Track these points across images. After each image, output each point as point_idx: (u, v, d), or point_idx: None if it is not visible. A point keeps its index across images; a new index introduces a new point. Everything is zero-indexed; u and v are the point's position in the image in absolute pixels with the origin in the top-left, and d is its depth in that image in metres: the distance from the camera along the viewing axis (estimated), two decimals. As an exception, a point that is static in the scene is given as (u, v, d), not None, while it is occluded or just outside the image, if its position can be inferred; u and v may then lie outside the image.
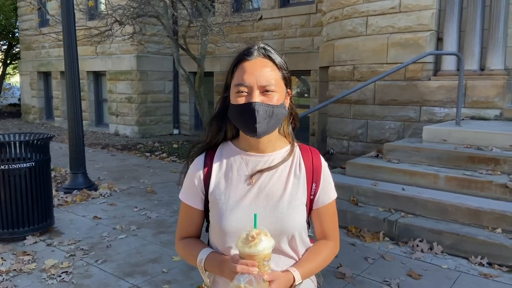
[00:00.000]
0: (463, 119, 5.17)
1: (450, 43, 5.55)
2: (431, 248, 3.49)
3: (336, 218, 1.39)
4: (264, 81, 1.19)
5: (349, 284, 3.00)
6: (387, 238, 3.76)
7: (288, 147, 1.33)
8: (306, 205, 1.30)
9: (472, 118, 5.36)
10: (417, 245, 3.53)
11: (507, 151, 4.18)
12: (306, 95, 9.06)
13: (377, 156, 5.00)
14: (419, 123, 5.62)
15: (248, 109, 1.18)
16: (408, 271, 3.15)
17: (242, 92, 1.20)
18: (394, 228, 3.74)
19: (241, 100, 1.20)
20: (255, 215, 1.14)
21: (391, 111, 5.90)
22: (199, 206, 1.33)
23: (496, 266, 3.19)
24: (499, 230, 3.40)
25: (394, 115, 5.88)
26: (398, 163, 4.54)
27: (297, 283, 1.22)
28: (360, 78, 6.07)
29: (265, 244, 1.09)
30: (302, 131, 9.20)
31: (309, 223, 1.37)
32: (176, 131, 11.15)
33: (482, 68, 5.44)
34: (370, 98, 6.07)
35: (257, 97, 1.18)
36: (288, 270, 1.23)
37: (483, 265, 3.22)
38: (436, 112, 5.55)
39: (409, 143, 4.78)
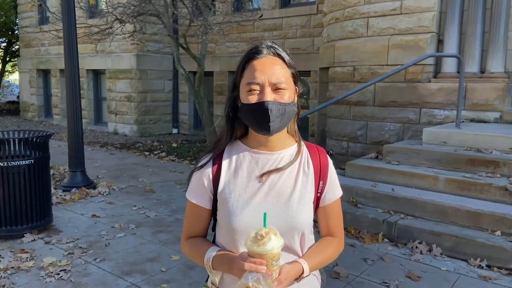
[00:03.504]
0: (463, 121, 5.18)
1: (451, 46, 5.55)
2: (430, 250, 3.49)
3: (341, 215, 1.40)
4: (275, 78, 1.20)
5: (348, 285, 2.99)
6: (386, 240, 3.75)
7: (296, 145, 1.33)
8: (313, 203, 1.30)
9: (472, 120, 5.36)
10: (417, 247, 3.52)
11: (506, 154, 4.18)
12: (305, 96, 9.06)
13: (376, 157, 5.00)
14: (419, 125, 5.62)
15: (261, 108, 1.18)
16: (407, 273, 3.15)
17: (253, 90, 1.20)
18: (394, 229, 3.74)
19: (253, 99, 1.20)
20: (264, 214, 1.14)
21: (391, 113, 5.90)
22: (207, 205, 1.32)
23: (495, 268, 3.19)
24: (498, 232, 3.40)
25: (394, 117, 5.88)
26: (397, 164, 4.54)
27: (305, 275, 1.22)
28: (360, 80, 6.07)
29: (274, 244, 1.08)
30: (301, 131, 9.19)
31: (314, 221, 1.37)
32: (175, 131, 11.14)
33: (482, 71, 5.45)
34: (370, 99, 6.07)
35: (269, 95, 1.18)
36: (297, 261, 1.23)
37: (482, 267, 3.22)
38: (436, 114, 5.55)
39: (408, 145, 4.78)
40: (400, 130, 5.85)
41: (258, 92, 1.20)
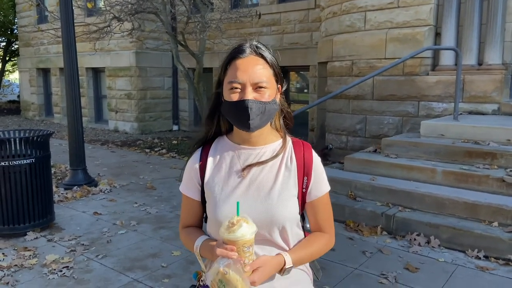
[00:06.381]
0: (461, 114, 5.19)
1: (448, 38, 5.56)
2: (428, 242, 3.52)
3: (331, 211, 1.43)
4: (256, 78, 1.24)
5: (347, 277, 3.03)
6: (384, 232, 3.79)
7: (280, 141, 1.37)
8: (298, 198, 1.33)
9: (470, 113, 5.38)
10: (415, 239, 3.56)
11: (504, 146, 4.20)
12: (305, 90, 9.07)
13: (375, 151, 5.03)
14: (417, 118, 5.64)
15: (242, 106, 1.22)
16: (405, 265, 3.19)
17: (235, 88, 1.24)
18: (392, 222, 3.77)
19: (235, 97, 1.24)
20: (237, 203, 1.19)
21: (389, 106, 5.92)
22: (197, 197, 1.39)
23: (492, 259, 3.22)
24: (495, 223, 3.43)
25: (392, 110, 5.90)
26: (396, 158, 4.57)
27: (287, 267, 1.25)
28: (358, 74, 6.09)
29: (244, 230, 1.13)
30: (301, 126, 9.13)
31: (303, 216, 1.40)
32: (175, 127, 11.18)
33: (480, 63, 5.46)
34: (368, 93, 6.09)
35: (250, 94, 1.23)
36: (279, 253, 1.27)
37: (480, 258, 3.26)
38: (434, 107, 5.57)
39: (407, 138, 4.80)
40: (399, 123, 5.87)
41: (239, 90, 1.24)
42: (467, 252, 3.34)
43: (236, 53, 1.28)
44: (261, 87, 1.24)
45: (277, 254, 1.27)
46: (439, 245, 3.48)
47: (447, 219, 3.60)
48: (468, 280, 2.96)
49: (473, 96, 5.35)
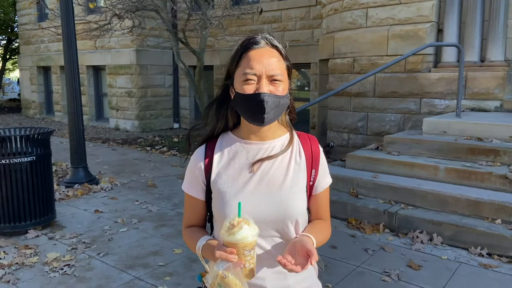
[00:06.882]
0: (463, 110, 5.17)
1: (451, 35, 5.53)
2: (431, 239, 3.50)
3: (329, 201, 1.41)
4: (272, 70, 1.20)
5: (349, 275, 3.02)
6: (387, 230, 3.77)
7: (287, 135, 1.34)
8: (306, 191, 1.31)
9: (473, 109, 5.36)
10: (417, 237, 3.54)
11: (507, 142, 4.18)
12: (306, 88, 9.05)
13: (377, 148, 5.01)
14: (419, 115, 5.62)
15: (257, 100, 1.18)
16: (408, 262, 3.17)
17: (250, 80, 1.20)
18: (394, 219, 3.76)
19: (249, 89, 1.20)
20: (239, 203, 1.15)
21: (391, 104, 5.90)
22: (201, 196, 1.34)
23: (495, 256, 3.21)
24: (498, 221, 3.41)
25: (394, 108, 5.88)
26: (398, 155, 4.55)
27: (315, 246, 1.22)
28: (360, 71, 6.06)
29: (244, 233, 1.09)
30: (302, 124, 9.13)
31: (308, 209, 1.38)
32: (176, 125, 11.16)
33: (482, 60, 5.43)
34: (370, 90, 6.07)
35: (265, 86, 1.19)
36: (306, 235, 1.22)
37: (483, 255, 3.24)
38: (437, 104, 5.55)
39: (409, 135, 4.78)
40: (400, 120, 5.85)
41: (254, 82, 1.20)
42: (470, 249, 3.32)
43: (251, 44, 1.23)
44: (276, 80, 1.20)
45: (304, 235, 1.21)
46: (442, 243, 3.46)
47: (450, 217, 3.59)
48: (471, 278, 2.95)
49: (476, 93, 5.33)
